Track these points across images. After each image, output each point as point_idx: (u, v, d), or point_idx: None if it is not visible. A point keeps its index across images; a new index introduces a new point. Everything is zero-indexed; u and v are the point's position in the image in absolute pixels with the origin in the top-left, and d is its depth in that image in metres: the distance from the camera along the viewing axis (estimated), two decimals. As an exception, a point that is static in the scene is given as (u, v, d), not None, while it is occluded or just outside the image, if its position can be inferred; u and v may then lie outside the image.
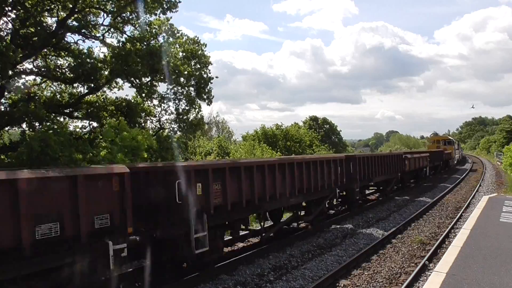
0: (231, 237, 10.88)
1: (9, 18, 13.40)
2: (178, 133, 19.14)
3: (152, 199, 7.60)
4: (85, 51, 15.32)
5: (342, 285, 8.30)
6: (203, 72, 17.78)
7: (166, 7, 15.16)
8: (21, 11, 13.07)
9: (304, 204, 12.35)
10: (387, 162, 19.34)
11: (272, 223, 12.04)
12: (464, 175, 33.86)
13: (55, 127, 13.08)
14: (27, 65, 15.01)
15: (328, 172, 12.95)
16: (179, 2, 15.45)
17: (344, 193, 15.10)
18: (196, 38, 18.18)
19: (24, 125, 14.59)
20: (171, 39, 17.42)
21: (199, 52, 17.77)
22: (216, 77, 18.47)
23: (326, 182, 12.79)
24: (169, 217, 7.61)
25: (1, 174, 5.17)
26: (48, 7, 13.97)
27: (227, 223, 9.15)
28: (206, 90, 18.03)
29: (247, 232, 11.08)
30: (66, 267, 5.75)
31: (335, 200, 14.39)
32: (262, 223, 10.64)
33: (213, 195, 8.22)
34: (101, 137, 11.93)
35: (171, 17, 16.82)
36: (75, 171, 6.10)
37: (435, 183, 27.41)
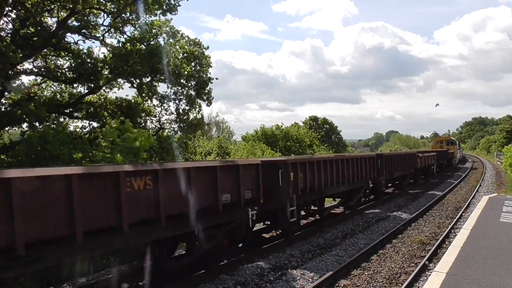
0: (304, 213, 13.57)
1: (9, 18, 13.40)
2: (179, 133, 19.12)
3: (268, 182, 10.41)
4: (85, 51, 15.32)
5: (342, 285, 8.30)
6: (202, 73, 17.77)
7: (166, 8, 15.15)
8: (21, 11, 13.07)
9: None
10: (404, 160, 22.54)
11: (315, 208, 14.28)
12: (466, 172, 36.87)
13: (55, 126, 13.08)
14: (27, 65, 15.00)
15: (364, 167, 16.19)
16: (179, 5, 15.45)
17: (372, 185, 17.94)
18: (197, 40, 18.18)
19: (24, 125, 14.58)
20: (171, 40, 17.42)
21: (200, 53, 17.76)
22: (216, 78, 18.44)
23: (363, 175, 16.07)
24: (275, 195, 10.58)
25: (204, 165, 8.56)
26: (48, 7, 13.97)
27: (305, 201, 12.30)
28: (206, 91, 18.02)
29: (313, 211, 13.91)
30: (233, 222, 8.91)
31: (366, 190, 17.55)
32: (319, 205, 13.73)
33: (300, 181, 11.40)
34: (101, 137, 11.93)
35: (171, 19, 16.83)
36: (237, 161, 9.49)
37: (441, 180, 30.04)
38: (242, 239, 9.98)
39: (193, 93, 17.97)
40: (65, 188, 5.54)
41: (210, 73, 18.06)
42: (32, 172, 5.39)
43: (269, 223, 11.84)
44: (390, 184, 23.26)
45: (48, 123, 13.65)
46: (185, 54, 17.66)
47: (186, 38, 18.04)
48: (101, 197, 6.03)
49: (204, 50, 17.98)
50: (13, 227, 4.94)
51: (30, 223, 5.16)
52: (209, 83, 18.02)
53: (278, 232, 11.99)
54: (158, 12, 15.53)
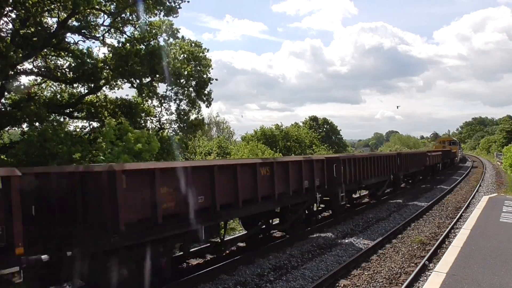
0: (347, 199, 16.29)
1: (9, 18, 13.41)
2: (179, 133, 19.11)
3: (328, 174, 13.04)
4: (85, 51, 15.33)
5: (342, 285, 8.30)
6: (203, 73, 17.77)
7: (166, 10, 15.16)
8: (22, 11, 13.07)
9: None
10: (416, 158, 26.29)
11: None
12: (468, 170, 39.88)
13: (55, 124, 13.09)
14: (27, 65, 15.02)
15: (388, 163, 19.67)
16: (179, 7, 15.45)
17: (392, 177, 21.01)
18: (197, 42, 18.17)
19: (24, 125, 14.59)
20: (171, 39, 17.42)
21: (200, 54, 17.75)
22: (216, 79, 18.44)
23: (387, 170, 19.44)
24: (332, 183, 13.32)
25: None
26: (49, 7, 13.98)
27: (347, 190, 14.92)
28: (206, 92, 18.02)
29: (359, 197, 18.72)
30: (307, 201, 11.95)
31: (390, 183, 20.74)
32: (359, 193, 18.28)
33: (347, 173, 14.64)
34: (101, 137, 11.92)
35: (172, 23, 16.83)
36: (312, 157, 12.72)
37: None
38: (309, 216, 12.88)
39: (193, 94, 17.98)
40: (234, 174, 8.74)
41: (210, 73, 18.07)
42: (224, 161, 9.99)
43: (323, 206, 14.91)
44: (404, 179, 25.74)
45: (49, 126, 13.67)
46: (185, 55, 17.66)
47: (187, 40, 18.05)
48: (248, 179, 9.17)
49: (204, 51, 17.99)
50: (214, 196, 8.07)
51: (221, 193, 8.24)
52: (209, 84, 18.02)
53: (329, 213, 15.57)
54: (159, 13, 15.56)
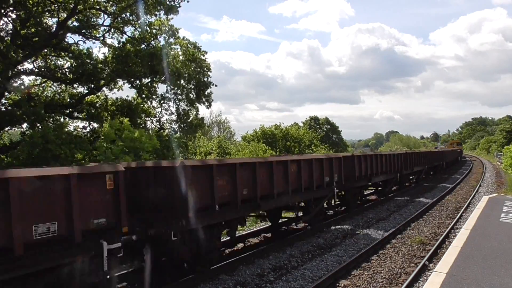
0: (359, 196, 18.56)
1: (9, 19, 13.42)
2: (179, 133, 19.12)
3: (344, 170, 14.15)
4: (85, 51, 15.33)
5: (342, 285, 8.31)
6: (203, 75, 17.78)
7: (166, 9, 15.17)
8: (22, 11, 13.08)
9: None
10: (434, 156, 32.25)
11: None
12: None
13: (56, 124, 13.10)
14: (28, 65, 15.02)
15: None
16: (179, 7, 15.46)
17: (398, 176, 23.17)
18: (196, 43, 18.19)
19: (24, 125, 14.59)
20: (171, 39, 17.42)
21: (199, 57, 17.77)
22: (216, 85, 18.43)
23: (395, 168, 21.00)
24: (348, 179, 14.55)
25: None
26: (49, 8, 13.99)
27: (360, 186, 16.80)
28: (206, 94, 18.04)
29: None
30: (327, 196, 12.79)
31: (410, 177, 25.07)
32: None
33: (357, 170, 15.74)
34: (102, 137, 11.94)
35: (172, 18, 16.80)
36: (330, 155, 13.09)
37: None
38: (327, 209, 14.57)
39: (193, 94, 17.98)
40: (270, 170, 9.84)
41: (210, 76, 18.09)
42: (263, 159, 10.38)
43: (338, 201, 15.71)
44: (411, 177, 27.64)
45: (48, 123, 13.67)
46: (185, 56, 17.66)
47: (187, 40, 18.05)
48: (281, 174, 10.21)
49: (203, 54, 18.00)
50: (256, 188, 9.21)
51: (260, 186, 9.35)
52: (210, 87, 18.06)
53: (343, 208, 16.38)
54: (159, 13, 15.56)
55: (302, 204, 12.02)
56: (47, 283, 5.65)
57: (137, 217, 7.17)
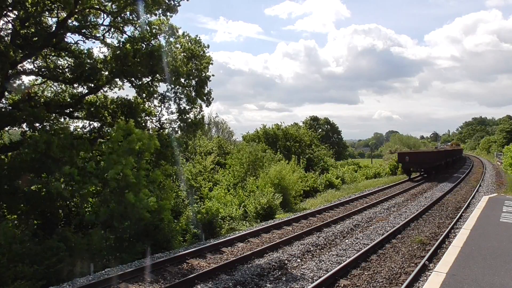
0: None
1: (9, 18, 13.39)
2: (179, 133, 19.07)
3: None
4: (85, 51, 15.29)
5: (342, 285, 8.30)
6: (203, 71, 17.71)
7: (165, 8, 15.13)
8: (21, 11, 13.06)
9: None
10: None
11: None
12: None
13: (58, 127, 13.08)
14: (27, 65, 14.98)
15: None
16: (179, 5, 15.41)
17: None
18: (197, 38, 18.10)
19: (24, 125, 14.56)
20: (171, 39, 17.36)
21: (200, 52, 17.69)
22: (212, 75, 18.35)
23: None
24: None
25: None
26: (49, 7, 13.96)
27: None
28: (206, 91, 17.97)
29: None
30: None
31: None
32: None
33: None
34: (107, 138, 11.91)
35: (171, 16, 16.73)
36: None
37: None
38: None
39: (193, 93, 17.93)
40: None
41: (210, 71, 18.01)
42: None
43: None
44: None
45: (49, 124, 13.64)
46: (184, 54, 17.61)
47: (187, 38, 17.98)
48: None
49: (204, 49, 17.92)
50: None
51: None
52: (208, 81, 17.95)
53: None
54: (158, 12, 15.52)
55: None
56: None
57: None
